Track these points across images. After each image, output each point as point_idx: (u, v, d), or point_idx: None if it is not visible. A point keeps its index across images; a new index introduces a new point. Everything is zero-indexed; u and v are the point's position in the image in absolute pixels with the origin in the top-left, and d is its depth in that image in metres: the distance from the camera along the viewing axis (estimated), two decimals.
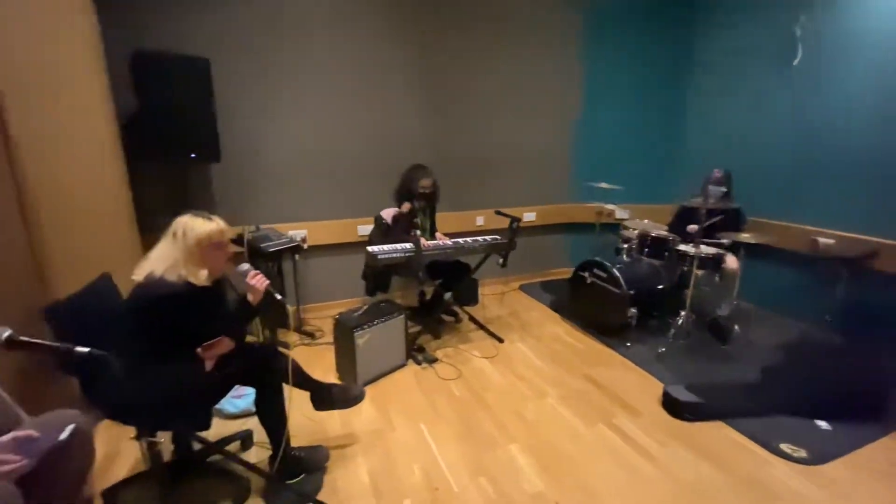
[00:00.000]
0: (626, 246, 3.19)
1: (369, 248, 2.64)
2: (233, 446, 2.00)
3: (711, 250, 2.81)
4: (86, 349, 0.93)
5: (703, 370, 2.68)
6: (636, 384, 2.56)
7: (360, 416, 2.24)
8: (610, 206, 3.54)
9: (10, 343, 0.90)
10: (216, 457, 1.91)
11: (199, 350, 1.61)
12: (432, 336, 3.08)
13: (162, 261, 1.53)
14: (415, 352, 2.80)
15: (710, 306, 3.06)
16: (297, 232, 3.27)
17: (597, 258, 3.10)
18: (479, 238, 2.93)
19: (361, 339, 2.45)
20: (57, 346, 0.92)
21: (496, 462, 1.95)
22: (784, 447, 2.04)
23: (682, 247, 2.86)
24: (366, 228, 3.43)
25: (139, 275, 1.52)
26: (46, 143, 1.88)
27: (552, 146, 4.03)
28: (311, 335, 3.12)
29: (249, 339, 2.12)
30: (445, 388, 2.50)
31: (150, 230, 2.71)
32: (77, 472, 1.12)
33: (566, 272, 4.20)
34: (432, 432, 2.14)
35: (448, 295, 2.94)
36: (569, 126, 4.05)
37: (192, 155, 2.61)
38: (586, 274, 3.16)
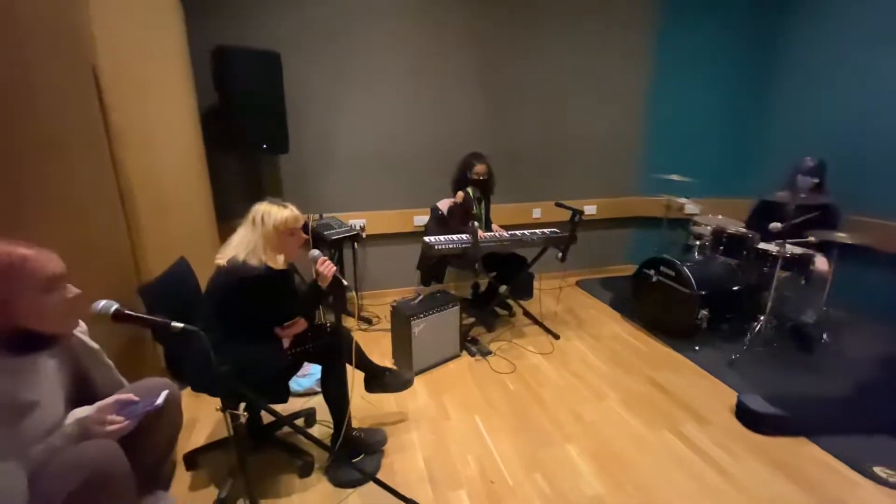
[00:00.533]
0: (697, 243, 2.98)
1: (426, 238, 2.66)
2: (297, 423, 2.10)
3: (798, 250, 2.55)
4: (180, 325, 1.00)
5: (782, 380, 2.45)
6: (706, 391, 2.39)
7: (416, 403, 2.28)
8: (681, 200, 3.31)
9: (117, 316, 0.99)
10: (283, 432, 2.02)
11: (277, 329, 1.73)
12: (485, 329, 3.05)
13: (243, 246, 1.62)
14: (468, 343, 2.80)
15: (794, 311, 2.78)
16: (356, 221, 3.37)
17: (664, 255, 2.92)
18: (536, 231, 2.86)
19: (417, 327, 2.48)
20: (156, 321, 1.00)
21: (552, 460, 1.90)
22: (878, 470, 1.82)
23: (763, 245, 2.62)
24: (421, 219, 3.46)
25: (222, 259, 1.63)
26: (140, 133, 2.05)
27: (617, 135, 3.83)
28: (368, 321, 3.21)
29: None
30: (499, 382, 2.48)
31: (225, 218, 2.93)
32: (169, 434, 1.23)
33: (627, 269, 4.03)
34: (486, 424, 2.13)
35: (503, 288, 2.90)
36: (637, 113, 3.82)
37: (264, 146, 2.74)
38: (651, 272, 2.99)
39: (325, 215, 3.24)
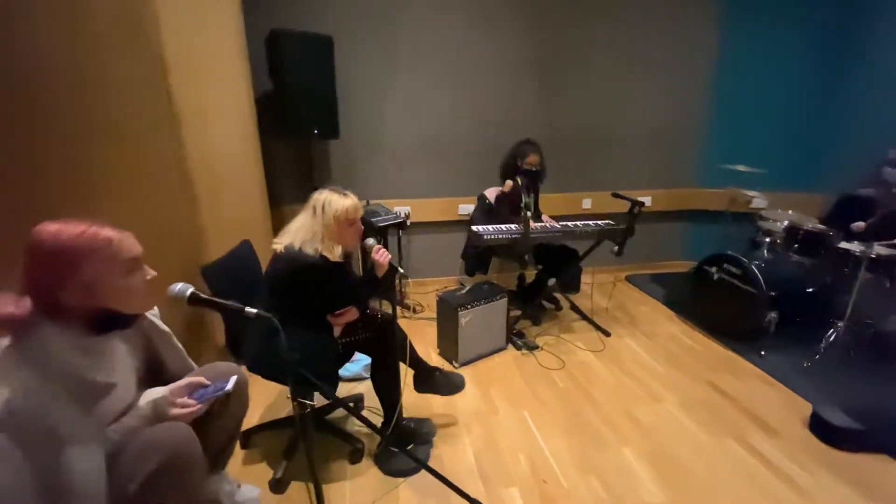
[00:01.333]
0: (767, 240, 2.76)
1: (474, 228, 2.59)
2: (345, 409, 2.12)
3: (886, 251, 2.31)
4: (253, 310, 0.99)
5: (861, 392, 2.24)
6: (773, 399, 2.23)
7: (464, 396, 2.23)
8: (750, 194, 3.06)
9: (192, 299, 0.99)
10: (333, 416, 2.03)
11: (329, 316, 1.72)
12: (532, 322, 2.97)
13: (301, 234, 1.61)
14: (514, 337, 2.73)
15: (876, 317, 2.53)
16: (401, 208, 3.34)
17: (728, 252, 2.72)
18: (590, 222, 2.73)
19: (465, 318, 2.43)
20: (229, 305, 0.99)
21: (607, 463, 1.82)
22: None
23: (845, 245, 2.39)
24: (466, 207, 3.39)
25: (279, 245, 1.62)
26: (199, 118, 2.08)
27: (677, 124, 3.59)
28: (412, 309, 3.19)
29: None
30: (548, 378, 2.40)
31: (277, 203, 2.97)
32: (236, 418, 1.24)
33: (682, 265, 3.82)
34: (536, 421, 2.06)
35: (551, 281, 2.80)
36: (700, 101, 3.56)
37: (315, 131, 2.75)
38: (713, 269, 2.80)
39: (371, 202, 3.23)
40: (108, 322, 0.94)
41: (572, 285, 3.06)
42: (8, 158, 1.11)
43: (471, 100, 3.27)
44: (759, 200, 3.14)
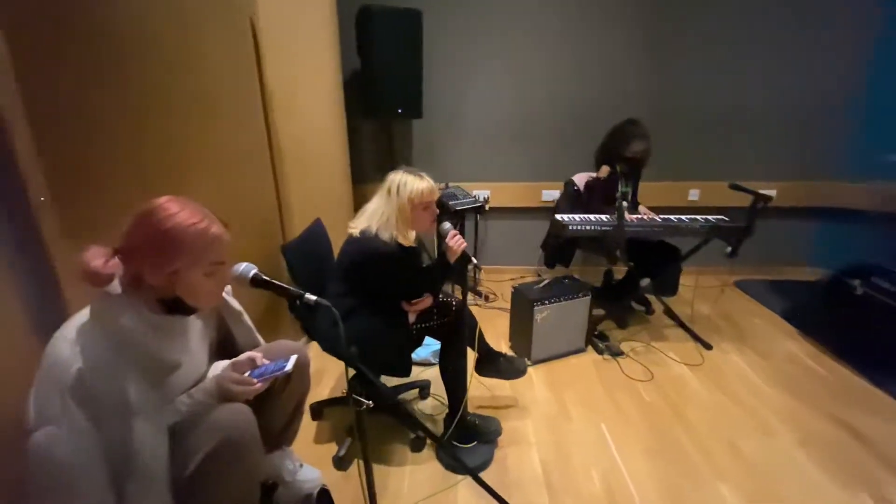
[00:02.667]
0: None
1: (558, 217, 2.37)
2: (411, 393, 2.08)
3: None
4: (313, 297, 0.95)
5: None
6: None
7: (533, 396, 2.09)
8: None
9: (255, 280, 0.97)
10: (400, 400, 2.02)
11: (404, 304, 1.69)
12: (617, 325, 2.69)
13: (377, 217, 1.58)
14: (596, 339, 2.49)
15: None
16: (481, 192, 3.21)
17: (881, 263, 2.20)
18: (698, 217, 2.36)
19: (540, 314, 2.25)
20: (290, 290, 0.97)
21: (699, 498, 1.56)
22: None
23: None
24: (551, 194, 3.16)
25: (355, 228, 1.60)
26: (289, 95, 2.12)
27: (816, 104, 2.98)
28: (484, 297, 3.08)
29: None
30: (632, 389, 2.15)
31: (360, 181, 3.00)
32: (296, 398, 1.24)
33: (809, 272, 3.22)
34: (615, 436, 1.85)
35: (645, 281, 2.50)
36: (850, 76, 2.91)
37: (399, 111, 2.70)
38: (857, 282, 2.29)
39: (450, 184, 3.14)
40: (177, 306, 0.95)
41: (669, 287, 2.71)
42: (111, 128, 1.17)
43: (565, 77, 2.99)
44: None
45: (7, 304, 0.91)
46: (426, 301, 1.73)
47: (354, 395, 0.99)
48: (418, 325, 1.72)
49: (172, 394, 1.00)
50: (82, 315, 0.88)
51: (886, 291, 2.15)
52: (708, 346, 2.46)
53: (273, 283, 0.97)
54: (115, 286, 0.89)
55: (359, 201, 3.08)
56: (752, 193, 2.18)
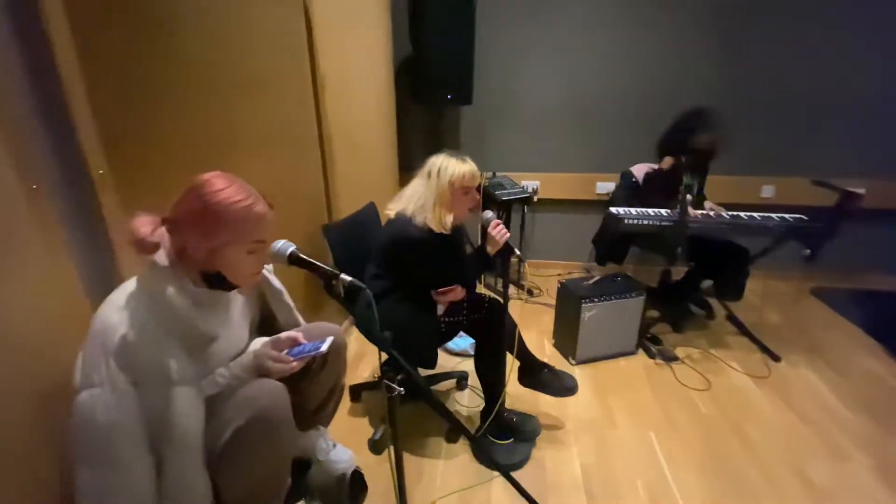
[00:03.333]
0: None
1: (613, 210, 2.22)
2: (448, 384, 2.05)
3: None
4: (348, 278, 0.93)
5: None
6: None
7: (576, 397, 1.97)
8: None
9: (292, 258, 0.96)
10: (437, 388, 1.99)
11: (434, 294, 1.63)
12: (671, 328, 2.51)
13: (414, 200, 1.54)
14: (647, 341, 2.33)
15: None
16: (529, 182, 3.10)
17: None
18: (773, 216, 2.13)
19: (589, 312, 2.13)
20: (326, 269, 0.95)
21: None
22: None
23: None
24: (606, 185, 3.00)
25: (392, 210, 1.57)
26: (340, 78, 2.11)
27: None
28: (529, 292, 2.98)
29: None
30: (686, 398, 1.99)
31: (406, 169, 2.98)
32: (331, 380, 1.24)
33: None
34: (665, 447, 1.72)
35: (707, 283, 2.30)
36: None
37: (449, 96, 2.64)
38: None
39: (497, 173, 3.05)
40: (219, 281, 0.96)
41: (733, 291, 2.48)
42: (166, 103, 1.19)
43: (625, 61, 2.80)
44: None
45: (65, 269, 0.95)
46: (456, 292, 1.65)
47: (387, 381, 0.96)
48: (447, 319, 1.65)
49: (212, 366, 1.01)
50: (130, 283, 0.91)
51: None
52: (776, 358, 2.23)
53: (310, 261, 0.95)
54: (163, 257, 0.91)
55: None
56: (840, 191, 1.93)
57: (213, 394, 0.97)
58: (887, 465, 1.64)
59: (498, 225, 1.49)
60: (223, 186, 0.89)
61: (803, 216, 2.10)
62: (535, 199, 3.12)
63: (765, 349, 2.28)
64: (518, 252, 1.49)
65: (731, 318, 2.45)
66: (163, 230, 0.89)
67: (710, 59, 2.71)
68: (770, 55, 2.66)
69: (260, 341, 1.15)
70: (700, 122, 2.18)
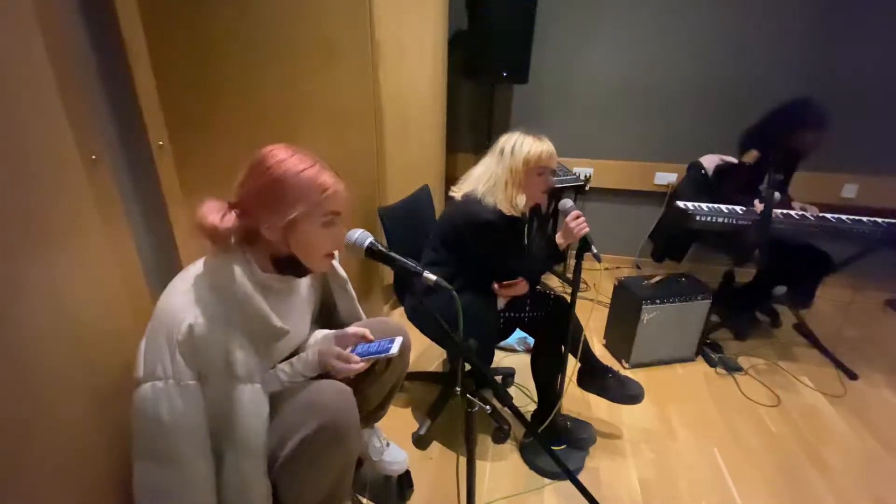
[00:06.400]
0: None
1: (682, 204, 2.04)
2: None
3: None
4: (433, 277, 0.83)
5: None
6: None
7: (632, 407, 1.86)
8: None
9: (370, 251, 0.86)
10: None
11: (496, 286, 1.52)
12: (733, 335, 2.33)
13: (485, 179, 1.43)
14: (708, 348, 2.17)
15: None
16: (582, 169, 2.92)
17: None
18: (863, 219, 1.91)
19: (649, 314, 1.99)
20: (408, 265, 0.85)
21: None
22: None
23: None
24: (666, 176, 2.79)
25: (458, 191, 1.46)
26: (397, 50, 1.98)
27: None
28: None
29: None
30: (753, 414, 1.85)
31: (452, 150, 2.85)
32: (394, 381, 1.16)
33: None
34: (731, 465, 1.59)
35: (780, 289, 2.11)
36: None
37: (504, 74, 2.47)
38: None
39: None
40: (289, 266, 0.88)
41: (805, 298, 2.28)
42: (228, 73, 1.10)
43: (701, 41, 2.55)
44: None
45: (126, 251, 0.88)
46: (519, 287, 1.53)
47: (469, 395, 0.86)
48: (507, 314, 1.55)
49: (274, 360, 0.95)
50: (196, 268, 0.83)
51: None
52: (853, 376, 2.04)
53: (390, 254, 0.85)
54: (229, 241, 0.83)
55: (450, 171, 2.95)
56: None
57: (273, 391, 0.90)
58: None
59: (578, 216, 1.36)
60: (287, 156, 0.82)
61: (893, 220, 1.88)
62: (588, 187, 2.95)
63: (840, 365, 2.09)
64: (594, 250, 1.35)
65: (801, 328, 2.25)
66: (232, 215, 0.80)
67: (801, 45, 2.43)
68: (875, 38, 2.36)
69: (321, 333, 1.07)
70: (808, 117, 1.93)
